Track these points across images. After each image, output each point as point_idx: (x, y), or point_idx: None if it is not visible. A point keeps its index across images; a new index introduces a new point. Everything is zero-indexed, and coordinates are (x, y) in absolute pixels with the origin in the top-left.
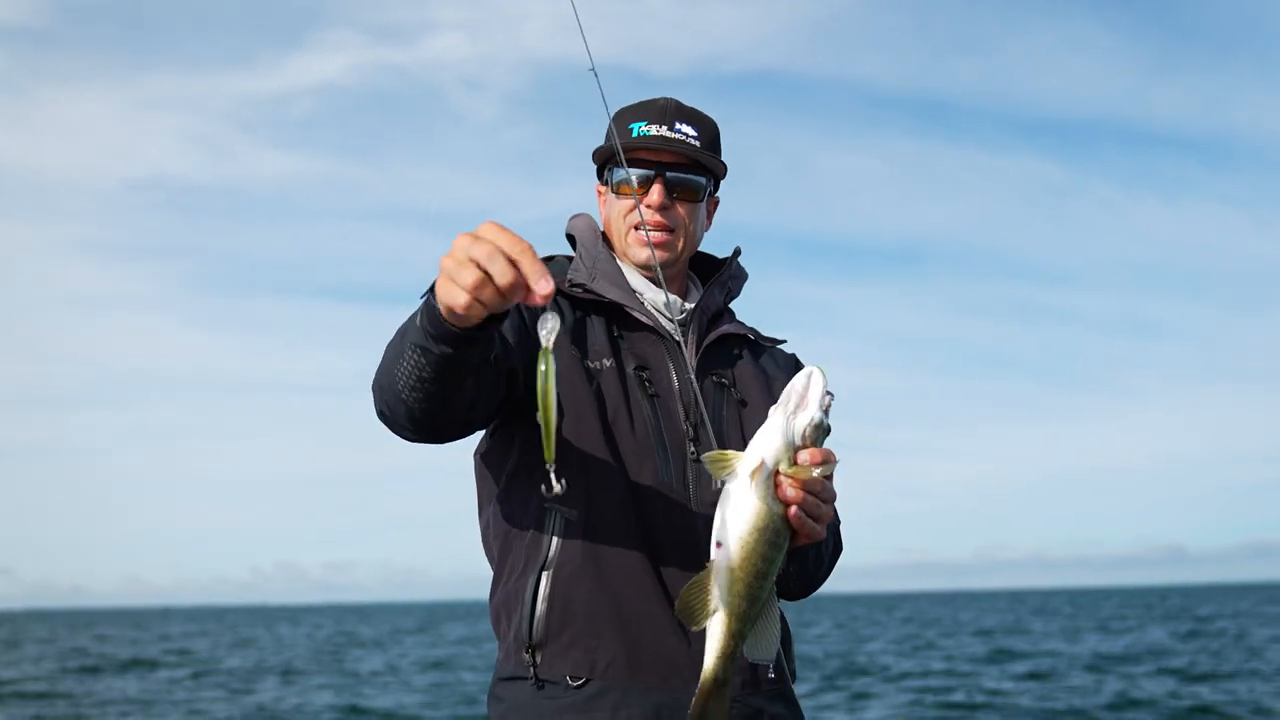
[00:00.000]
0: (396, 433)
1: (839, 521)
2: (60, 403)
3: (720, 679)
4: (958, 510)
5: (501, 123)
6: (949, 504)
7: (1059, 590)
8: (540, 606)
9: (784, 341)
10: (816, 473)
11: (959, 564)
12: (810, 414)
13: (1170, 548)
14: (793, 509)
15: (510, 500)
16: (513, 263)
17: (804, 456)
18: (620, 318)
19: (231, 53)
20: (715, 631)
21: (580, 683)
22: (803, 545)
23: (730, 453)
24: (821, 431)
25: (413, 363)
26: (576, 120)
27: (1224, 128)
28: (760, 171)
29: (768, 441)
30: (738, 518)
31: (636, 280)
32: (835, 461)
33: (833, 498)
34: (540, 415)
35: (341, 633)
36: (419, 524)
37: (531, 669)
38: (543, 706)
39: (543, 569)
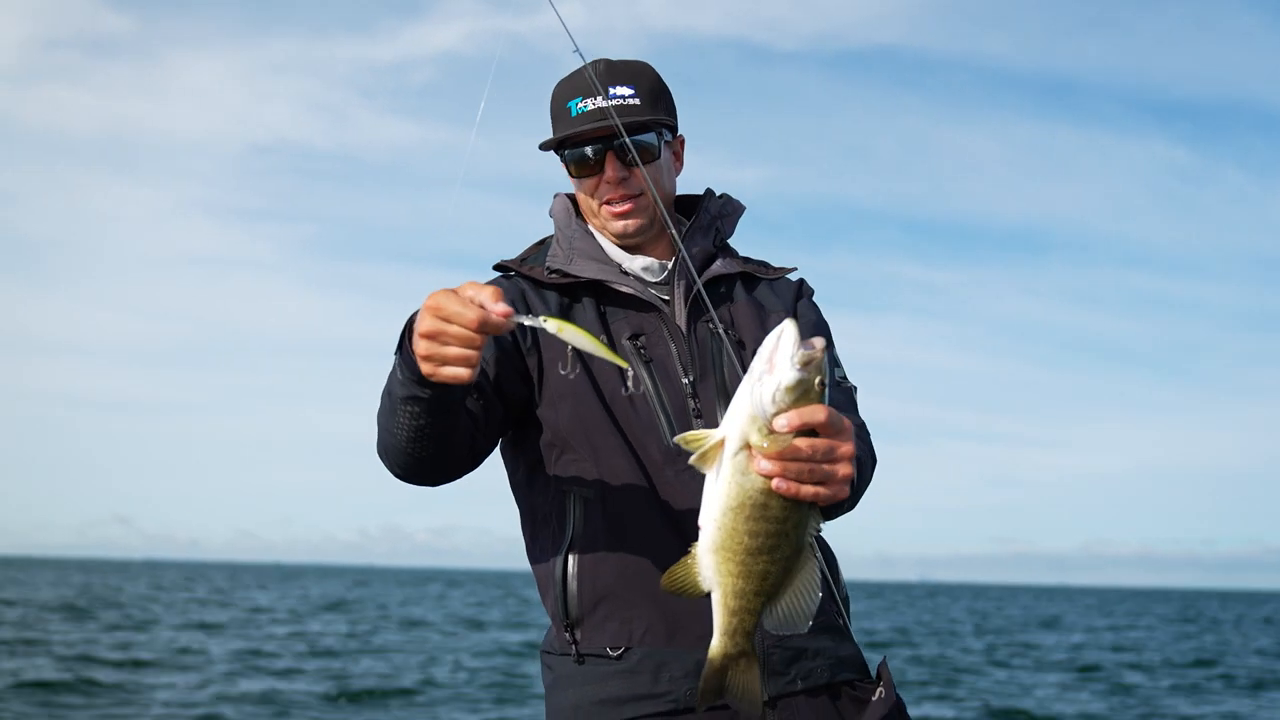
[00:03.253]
0: (418, 484)
1: (867, 434)
2: (182, 360)
3: (726, 654)
4: (1062, 502)
5: None
6: (1053, 495)
7: (1167, 590)
8: (571, 586)
9: (793, 270)
10: (805, 434)
11: (1062, 558)
12: (778, 378)
13: None
14: (774, 481)
15: (533, 486)
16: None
17: (780, 422)
18: (604, 293)
19: (353, 20)
20: (714, 608)
21: (620, 652)
22: (831, 502)
23: (699, 433)
24: (799, 391)
25: (409, 414)
26: (690, 92)
27: None
28: (876, 150)
29: (729, 419)
30: (711, 500)
31: (615, 250)
32: (821, 419)
33: (836, 456)
34: (590, 343)
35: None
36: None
37: (572, 645)
38: (588, 674)
39: (569, 551)
